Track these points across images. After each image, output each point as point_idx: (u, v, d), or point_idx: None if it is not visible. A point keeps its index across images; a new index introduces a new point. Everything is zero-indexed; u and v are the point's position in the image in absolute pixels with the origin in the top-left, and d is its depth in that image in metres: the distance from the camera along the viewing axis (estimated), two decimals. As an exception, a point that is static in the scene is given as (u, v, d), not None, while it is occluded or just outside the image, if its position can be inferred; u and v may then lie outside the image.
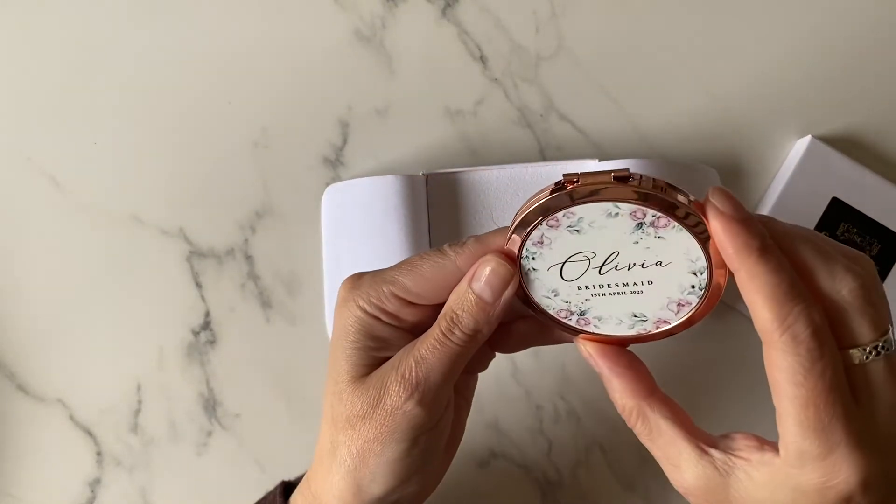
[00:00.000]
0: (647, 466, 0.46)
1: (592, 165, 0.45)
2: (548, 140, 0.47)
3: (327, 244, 0.46)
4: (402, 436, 0.32)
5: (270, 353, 0.47)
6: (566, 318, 0.32)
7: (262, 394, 0.47)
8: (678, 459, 0.31)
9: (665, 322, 0.31)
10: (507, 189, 0.45)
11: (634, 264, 0.30)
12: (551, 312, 0.32)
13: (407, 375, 0.31)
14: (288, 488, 0.38)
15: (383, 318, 0.33)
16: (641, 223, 0.29)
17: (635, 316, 0.31)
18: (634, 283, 0.30)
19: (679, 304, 0.30)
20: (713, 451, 0.30)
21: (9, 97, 0.47)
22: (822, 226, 0.45)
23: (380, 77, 0.47)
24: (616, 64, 0.47)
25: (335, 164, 0.47)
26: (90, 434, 0.47)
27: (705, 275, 0.29)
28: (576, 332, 0.32)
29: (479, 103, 0.47)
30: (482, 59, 0.47)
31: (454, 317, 0.32)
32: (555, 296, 0.31)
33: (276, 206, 0.47)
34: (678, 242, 0.29)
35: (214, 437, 0.47)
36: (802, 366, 0.27)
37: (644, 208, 0.28)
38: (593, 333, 0.32)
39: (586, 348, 0.33)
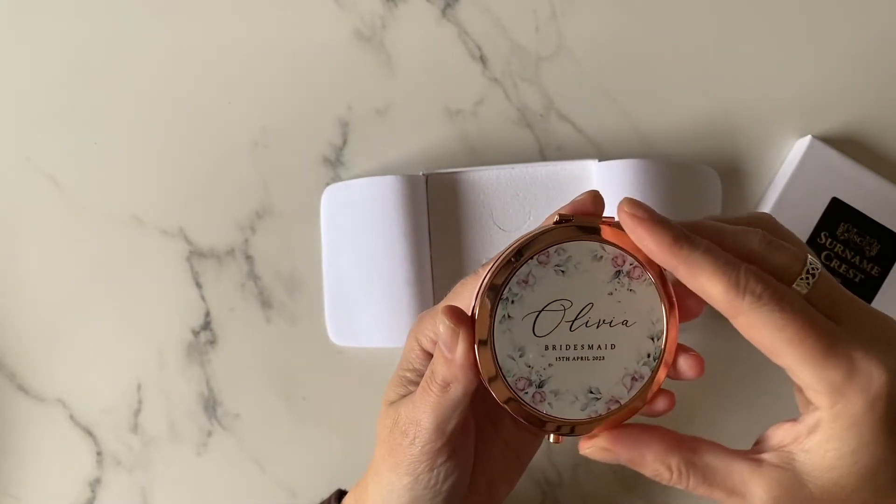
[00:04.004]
0: (647, 466, 0.46)
1: (592, 166, 0.45)
2: (548, 140, 0.47)
3: (327, 244, 0.46)
4: (405, 469, 0.33)
5: (270, 353, 0.47)
6: (523, 389, 0.31)
7: (262, 394, 0.47)
8: (742, 485, 0.30)
9: (616, 402, 0.31)
10: (507, 189, 0.45)
11: (603, 321, 0.31)
12: (510, 380, 0.31)
13: (408, 415, 0.33)
14: (342, 495, 0.40)
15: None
16: (620, 271, 0.31)
17: (591, 392, 0.31)
18: (599, 347, 0.31)
19: (633, 378, 0.31)
20: (764, 456, 0.30)
21: (9, 97, 0.47)
22: (822, 226, 0.45)
23: (380, 77, 0.47)
24: (616, 64, 0.47)
25: (335, 164, 0.47)
26: (90, 434, 0.47)
27: (662, 341, 0.31)
28: (526, 415, 0.31)
29: (479, 103, 0.47)
30: (482, 59, 0.47)
31: (432, 366, 0.32)
32: (519, 356, 0.31)
33: (276, 206, 0.47)
34: (645, 298, 0.31)
35: (214, 437, 0.47)
36: (774, 311, 0.28)
37: (624, 255, 0.31)
38: (546, 415, 0.31)
39: (603, 445, 0.31)
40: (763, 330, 0.28)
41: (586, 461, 0.46)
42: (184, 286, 0.47)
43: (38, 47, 0.48)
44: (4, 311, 0.47)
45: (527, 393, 0.31)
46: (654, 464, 0.31)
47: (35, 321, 0.47)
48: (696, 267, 0.28)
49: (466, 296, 0.33)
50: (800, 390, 0.30)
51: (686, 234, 0.29)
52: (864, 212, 0.45)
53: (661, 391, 0.32)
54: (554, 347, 0.31)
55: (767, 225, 0.31)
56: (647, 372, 0.31)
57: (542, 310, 0.31)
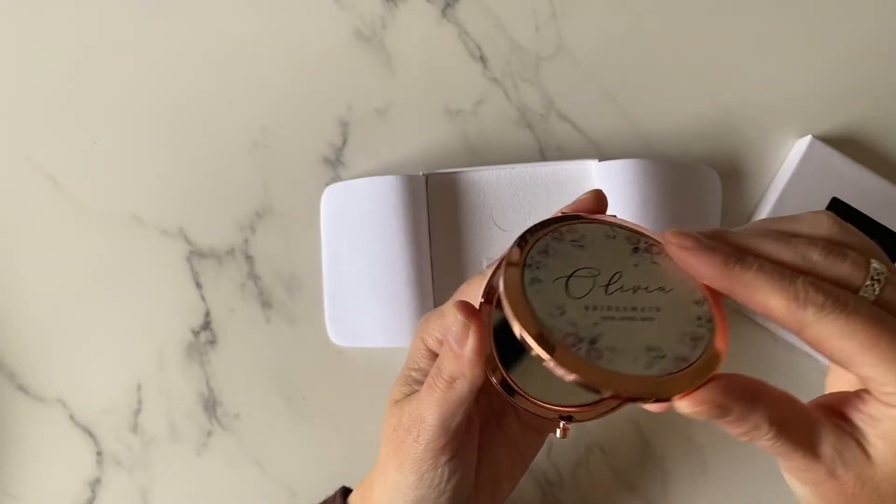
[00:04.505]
0: (647, 466, 0.46)
1: (592, 166, 0.45)
2: (548, 140, 0.47)
3: (327, 244, 0.46)
4: (409, 467, 0.33)
5: (270, 353, 0.47)
6: (574, 346, 0.26)
7: (262, 394, 0.47)
8: (817, 445, 0.28)
9: (684, 360, 0.27)
10: (507, 189, 0.45)
11: (639, 287, 0.28)
12: (556, 336, 0.27)
13: (412, 412, 0.33)
14: (347, 492, 0.40)
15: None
16: (637, 247, 0.29)
17: (651, 350, 0.27)
18: (643, 309, 0.28)
19: (693, 339, 0.28)
20: (843, 424, 0.29)
21: (9, 97, 0.47)
22: (822, 226, 0.45)
23: (380, 77, 0.47)
24: (616, 64, 0.47)
25: (335, 164, 0.47)
26: (90, 434, 0.47)
27: (706, 306, 0.29)
28: (585, 375, 0.26)
29: (479, 103, 0.47)
30: (482, 59, 0.47)
31: (439, 361, 0.32)
32: (560, 314, 0.27)
33: (276, 206, 0.47)
34: (673, 270, 0.29)
35: (214, 437, 0.47)
36: (839, 318, 0.27)
37: (637, 234, 0.29)
38: (609, 371, 0.26)
39: (719, 401, 0.27)
40: (831, 340, 0.27)
41: (587, 461, 0.46)
42: (184, 286, 0.47)
43: (38, 48, 0.48)
44: (4, 311, 0.47)
45: (580, 349, 0.26)
46: (757, 421, 0.28)
47: (35, 321, 0.47)
48: (752, 286, 0.28)
49: (473, 296, 0.33)
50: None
51: (737, 255, 0.28)
52: (864, 212, 0.45)
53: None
54: (595, 308, 0.28)
55: (829, 225, 0.30)
56: (704, 333, 0.28)
57: (571, 275, 0.28)
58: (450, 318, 0.31)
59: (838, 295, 0.27)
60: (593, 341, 0.27)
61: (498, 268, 0.31)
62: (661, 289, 0.28)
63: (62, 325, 0.47)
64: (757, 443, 0.28)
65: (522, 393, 0.31)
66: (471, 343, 0.30)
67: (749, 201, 0.47)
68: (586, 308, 0.28)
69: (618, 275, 0.29)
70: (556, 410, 0.31)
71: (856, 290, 0.28)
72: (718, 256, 0.28)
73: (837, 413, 0.29)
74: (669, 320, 0.28)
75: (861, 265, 0.28)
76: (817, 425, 0.28)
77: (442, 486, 0.34)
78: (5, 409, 0.47)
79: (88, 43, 0.47)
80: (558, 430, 0.31)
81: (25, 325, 0.47)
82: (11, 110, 0.47)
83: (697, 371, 0.27)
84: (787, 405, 0.28)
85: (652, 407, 0.28)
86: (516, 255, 0.29)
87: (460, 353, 0.31)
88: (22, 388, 0.47)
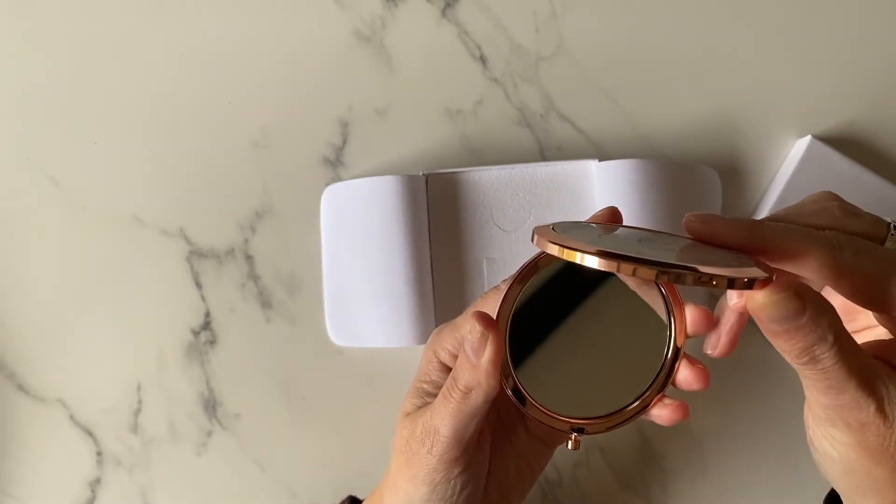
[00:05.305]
0: (646, 466, 0.46)
1: (592, 166, 0.45)
2: (548, 140, 0.47)
3: (327, 244, 0.46)
4: (422, 479, 0.33)
5: (270, 353, 0.47)
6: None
7: (262, 394, 0.47)
8: (881, 387, 0.27)
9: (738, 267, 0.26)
10: (507, 189, 0.46)
11: (668, 244, 0.28)
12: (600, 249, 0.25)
13: (426, 424, 0.33)
14: (354, 501, 0.41)
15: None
16: (659, 233, 0.30)
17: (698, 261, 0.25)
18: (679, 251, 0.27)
19: (737, 258, 0.27)
20: None
21: (9, 97, 0.47)
22: (821, 226, 0.45)
23: (380, 77, 0.47)
24: (616, 64, 0.47)
25: (335, 164, 0.47)
26: (90, 434, 0.47)
27: (747, 259, 0.27)
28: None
29: (479, 103, 0.47)
30: (482, 59, 0.47)
31: (454, 372, 0.32)
32: (599, 240, 0.28)
33: (276, 206, 0.47)
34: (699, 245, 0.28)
35: (214, 437, 0.47)
36: (877, 257, 0.28)
37: (657, 231, 0.30)
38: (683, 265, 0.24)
39: (793, 283, 0.26)
40: (870, 282, 0.27)
41: (587, 460, 0.46)
42: (184, 286, 0.47)
43: (37, 48, 0.48)
44: (4, 311, 0.47)
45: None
46: (825, 330, 0.26)
47: (35, 321, 0.47)
48: (784, 241, 0.27)
49: (488, 309, 0.33)
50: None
51: (761, 220, 0.28)
52: (863, 212, 0.45)
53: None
54: (628, 242, 0.28)
55: (832, 197, 0.31)
56: (746, 260, 0.26)
57: (600, 235, 0.29)
58: (467, 329, 0.31)
59: (867, 241, 0.28)
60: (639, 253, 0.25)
61: (514, 278, 0.32)
62: (693, 244, 0.28)
63: (62, 325, 0.47)
64: (811, 369, 0.26)
65: (536, 404, 0.32)
66: (488, 353, 0.30)
67: (749, 201, 0.47)
68: (623, 241, 0.28)
69: (645, 238, 0.29)
70: (569, 422, 0.32)
71: (881, 242, 0.29)
72: (744, 220, 0.28)
73: (882, 359, 0.28)
74: (707, 250, 0.27)
75: (879, 221, 0.30)
76: (871, 359, 0.27)
77: (454, 498, 0.33)
78: (5, 409, 0.47)
79: (88, 43, 0.47)
80: (569, 442, 0.32)
81: (25, 325, 0.47)
82: (11, 110, 0.47)
83: (764, 270, 0.26)
84: (850, 336, 0.27)
85: (733, 300, 0.28)
86: (546, 230, 0.28)
87: (477, 363, 0.31)
88: (22, 388, 0.47)
